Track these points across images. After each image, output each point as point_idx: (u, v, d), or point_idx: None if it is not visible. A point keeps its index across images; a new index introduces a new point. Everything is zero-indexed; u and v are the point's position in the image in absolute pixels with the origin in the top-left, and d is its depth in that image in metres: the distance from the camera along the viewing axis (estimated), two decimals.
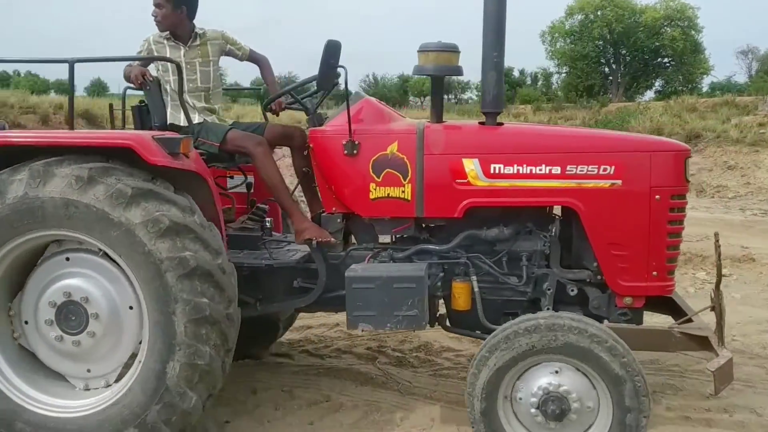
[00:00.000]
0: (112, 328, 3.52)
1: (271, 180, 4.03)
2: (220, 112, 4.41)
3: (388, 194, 3.81)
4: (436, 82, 3.90)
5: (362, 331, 3.80)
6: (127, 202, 3.27)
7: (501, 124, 3.88)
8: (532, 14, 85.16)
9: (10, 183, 3.32)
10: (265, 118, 4.60)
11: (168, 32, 4.25)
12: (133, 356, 3.56)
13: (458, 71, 3.83)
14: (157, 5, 4.20)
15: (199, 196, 3.65)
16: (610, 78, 49.47)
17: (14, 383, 3.59)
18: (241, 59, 4.56)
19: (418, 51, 3.76)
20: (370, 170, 3.80)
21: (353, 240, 4.17)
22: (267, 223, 4.31)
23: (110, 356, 3.59)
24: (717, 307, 3.55)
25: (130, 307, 3.50)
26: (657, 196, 3.62)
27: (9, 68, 57.64)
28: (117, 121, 4.81)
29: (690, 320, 3.70)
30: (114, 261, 3.45)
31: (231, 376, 4.66)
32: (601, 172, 3.65)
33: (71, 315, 3.53)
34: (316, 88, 3.94)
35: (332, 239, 3.91)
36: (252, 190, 4.63)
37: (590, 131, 4.06)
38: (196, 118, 4.19)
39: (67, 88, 3.69)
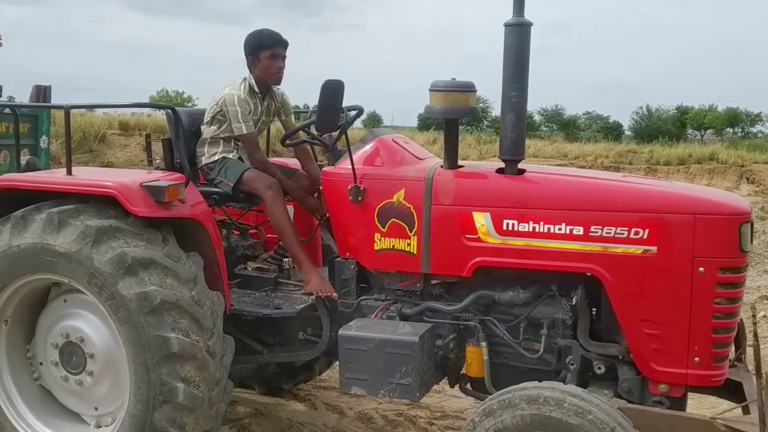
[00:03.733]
0: (108, 366, 3.53)
1: (278, 225, 3.85)
2: None
3: (393, 246, 3.48)
4: (449, 124, 3.50)
5: (357, 394, 3.50)
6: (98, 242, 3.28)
7: (522, 171, 3.41)
8: None
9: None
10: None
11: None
12: None
13: (473, 113, 3.41)
14: (283, 58, 4.10)
15: (199, 238, 3.56)
16: None
17: (29, 422, 3.72)
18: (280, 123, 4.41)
19: (429, 90, 3.39)
20: (376, 219, 3.49)
21: None
22: (285, 264, 4.13)
23: (112, 394, 3.60)
24: (759, 398, 2.87)
25: None
26: (701, 269, 2.99)
27: None
28: None
29: (747, 409, 3.05)
30: None
31: None
32: (632, 235, 3.08)
33: (72, 355, 3.59)
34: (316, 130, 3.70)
35: (334, 294, 3.66)
36: None
37: (624, 183, 3.43)
38: (218, 155, 4.08)
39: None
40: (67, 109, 3.43)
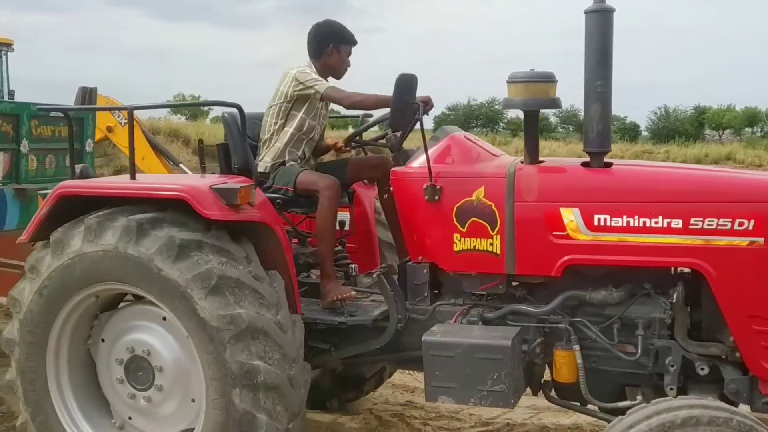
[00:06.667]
0: (178, 378, 3.35)
1: (322, 229, 3.70)
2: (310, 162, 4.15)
3: (474, 246, 3.31)
4: (529, 116, 3.34)
5: (443, 403, 3.33)
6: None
7: (609, 165, 3.24)
8: None
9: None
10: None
11: None
12: None
13: (554, 104, 3.25)
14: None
15: (267, 244, 3.40)
16: None
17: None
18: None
19: (507, 81, 3.24)
20: (454, 219, 3.33)
21: None
22: (352, 271, 3.97)
23: (181, 410, 3.42)
24: None
25: None
26: None
27: None
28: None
29: None
30: None
31: None
32: (736, 227, 2.90)
33: (138, 371, 3.42)
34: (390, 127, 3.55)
35: (354, 294, 3.66)
36: (346, 229, 4.27)
37: (723, 173, 3.27)
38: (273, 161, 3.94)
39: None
40: (130, 110, 3.30)
